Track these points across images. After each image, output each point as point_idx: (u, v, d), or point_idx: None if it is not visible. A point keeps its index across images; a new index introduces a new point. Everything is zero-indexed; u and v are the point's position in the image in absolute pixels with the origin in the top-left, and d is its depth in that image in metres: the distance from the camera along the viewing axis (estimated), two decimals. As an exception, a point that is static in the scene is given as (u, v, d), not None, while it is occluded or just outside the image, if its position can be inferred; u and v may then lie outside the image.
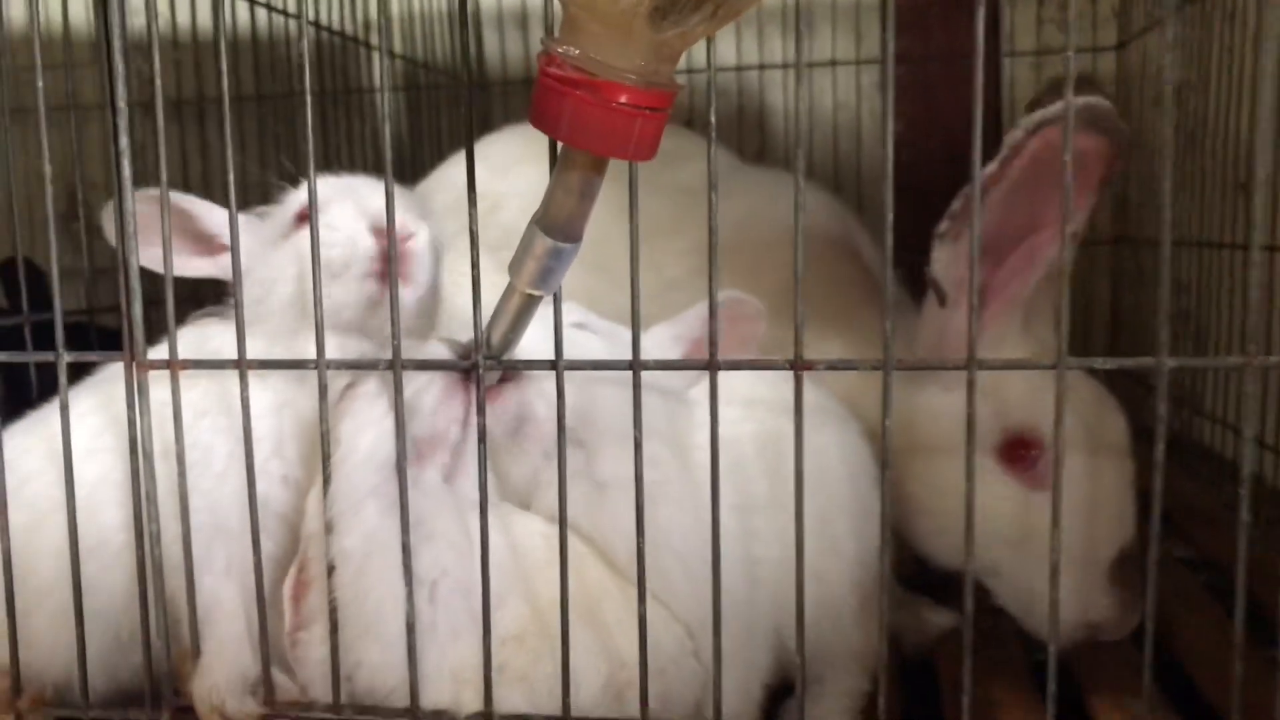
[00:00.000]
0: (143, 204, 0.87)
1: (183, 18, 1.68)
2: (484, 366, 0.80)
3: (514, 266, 0.75)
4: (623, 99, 0.65)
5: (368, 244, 0.91)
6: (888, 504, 0.79)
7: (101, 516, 0.91)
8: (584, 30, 0.65)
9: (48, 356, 0.88)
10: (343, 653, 0.84)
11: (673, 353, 0.99)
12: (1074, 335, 0.83)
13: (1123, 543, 1.06)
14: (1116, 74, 2.04)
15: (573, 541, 0.90)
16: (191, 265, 0.99)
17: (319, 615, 0.85)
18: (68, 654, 0.89)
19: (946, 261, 1.06)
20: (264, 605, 0.85)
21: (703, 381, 1.00)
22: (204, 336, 0.94)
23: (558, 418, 0.79)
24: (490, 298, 0.79)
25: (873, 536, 1.04)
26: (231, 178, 0.82)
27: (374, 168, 1.14)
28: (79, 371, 0.93)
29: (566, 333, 0.82)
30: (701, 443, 0.79)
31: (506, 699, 0.85)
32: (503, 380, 0.87)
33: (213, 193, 1.02)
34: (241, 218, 0.97)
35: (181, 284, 0.84)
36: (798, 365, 0.75)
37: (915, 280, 1.13)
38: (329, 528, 0.83)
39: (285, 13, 1.72)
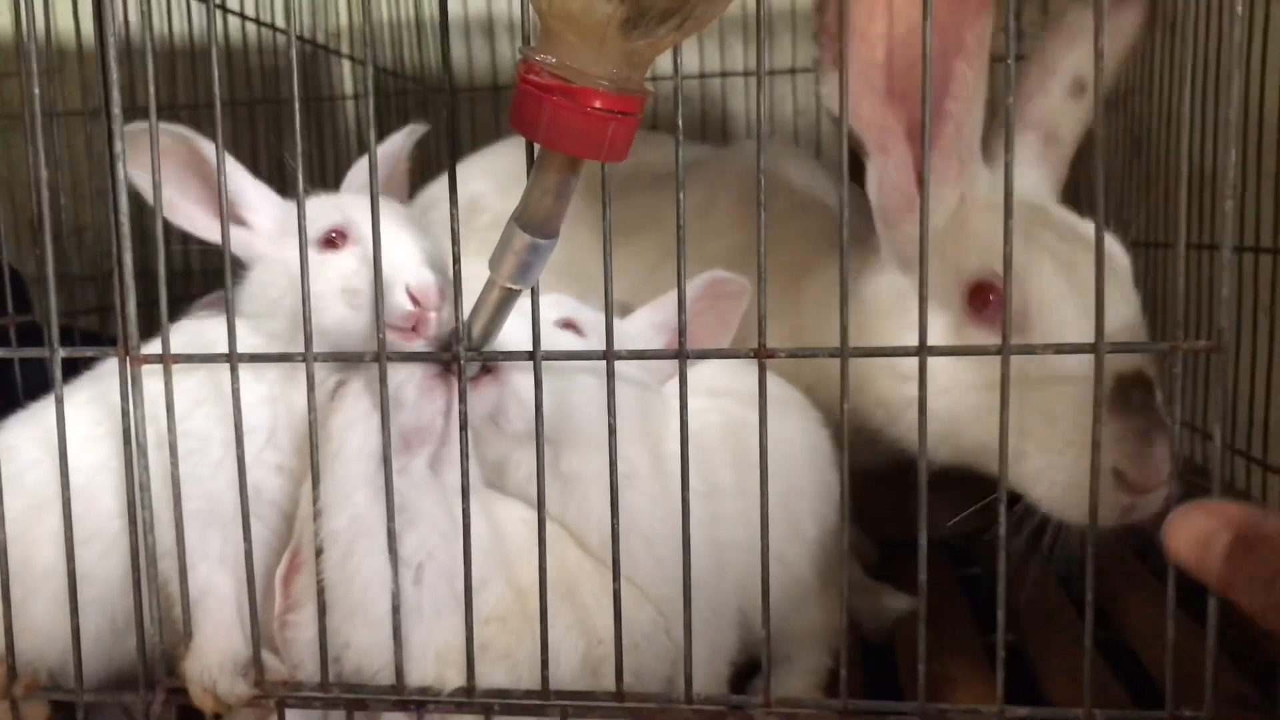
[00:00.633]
0: (166, 137, 0.90)
1: (160, 26, 1.70)
2: (465, 358, 0.84)
3: (494, 262, 0.79)
4: (597, 104, 0.70)
5: (403, 307, 0.88)
6: (845, 486, 0.83)
7: (99, 504, 0.93)
8: (561, 40, 0.70)
9: (41, 352, 0.90)
10: (331, 634, 0.87)
11: (655, 342, 1.01)
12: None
13: (1116, 371, 0.93)
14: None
15: (552, 526, 0.95)
16: (207, 228, 0.98)
17: (309, 597, 0.88)
18: (65, 640, 0.91)
19: (831, 95, 1.01)
20: (254, 589, 0.88)
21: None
22: (202, 329, 0.97)
23: (535, 406, 0.83)
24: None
25: (834, 520, 1.09)
26: (222, 181, 0.86)
27: (339, 173, 1.17)
28: (68, 372, 0.95)
29: (551, 333, 0.86)
30: (674, 432, 0.83)
31: (490, 676, 0.89)
32: (485, 373, 0.91)
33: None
34: (274, 197, 1.00)
35: (173, 283, 0.87)
36: (761, 353, 0.80)
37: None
38: (318, 514, 0.87)
39: (259, 21, 1.75)
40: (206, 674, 0.89)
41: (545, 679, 0.86)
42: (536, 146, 0.75)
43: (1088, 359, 0.78)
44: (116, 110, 0.84)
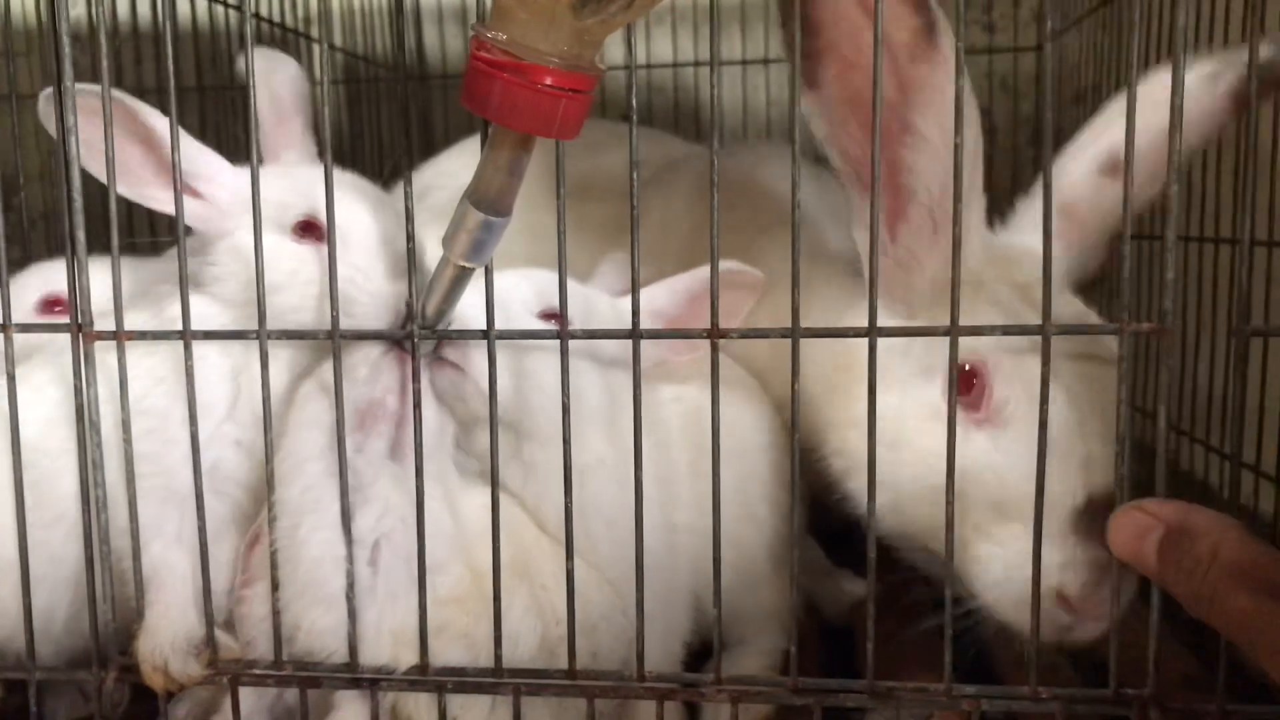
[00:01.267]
0: (118, 111, 0.87)
1: (123, 9, 1.69)
2: (419, 336, 0.84)
3: (447, 240, 0.79)
4: (548, 81, 0.70)
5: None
6: (796, 466, 0.84)
7: (64, 486, 0.92)
8: (512, 17, 0.70)
9: (-9, 329, 0.89)
10: (284, 614, 0.88)
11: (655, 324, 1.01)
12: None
13: (1090, 489, 0.90)
14: (1036, 73, 2.13)
15: (511, 508, 0.95)
16: (156, 198, 0.95)
17: (263, 573, 0.88)
18: (35, 621, 0.91)
19: (814, 119, 0.94)
20: (208, 566, 0.87)
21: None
22: (161, 306, 0.96)
23: (489, 384, 0.84)
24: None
25: (787, 503, 1.10)
26: (176, 160, 0.86)
27: (312, 159, 1.16)
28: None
29: (530, 322, 0.86)
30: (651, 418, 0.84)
31: (448, 656, 0.89)
32: (440, 350, 0.91)
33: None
34: (227, 166, 0.98)
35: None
36: (714, 334, 0.81)
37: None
38: (272, 486, 0.87)
39: (226, 4, 1.74)
40: (158, 653, 0.89)
41: (499, 657, 0.86)
42: (490, 125, 0.75)
43: (1058, 483, 0.82)
44: (69, 83, 0.83)
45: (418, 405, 0.84)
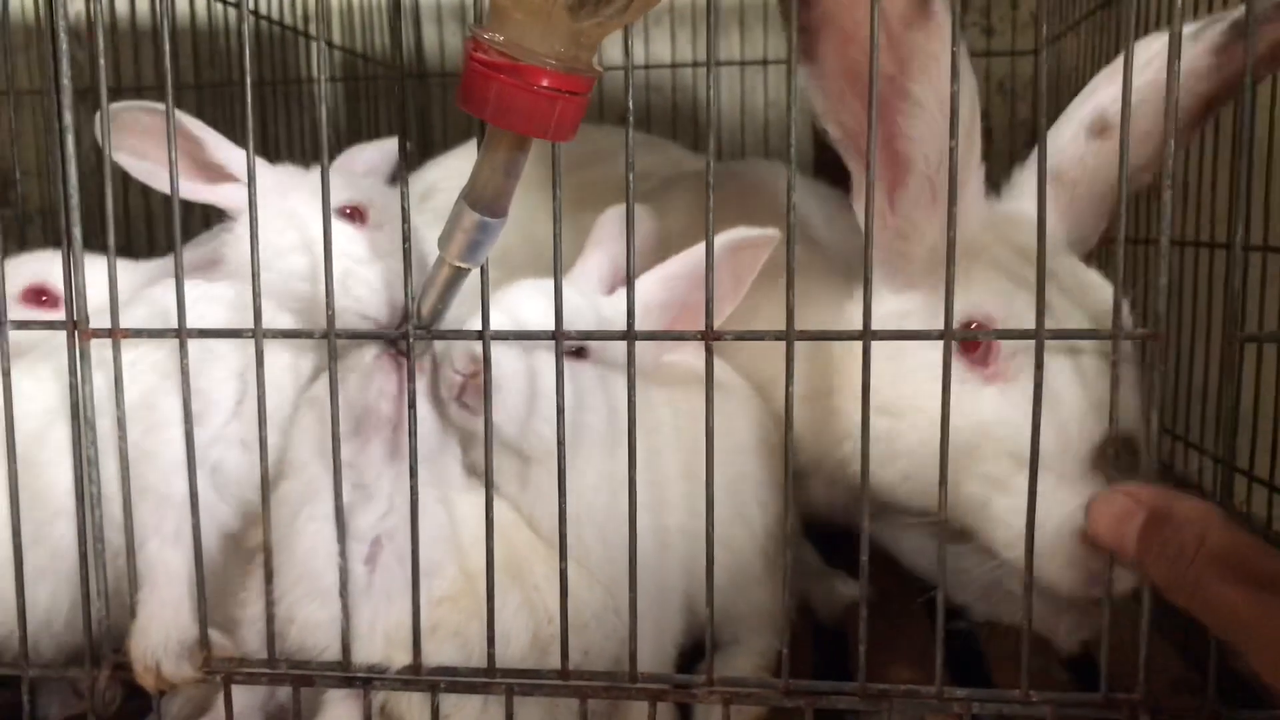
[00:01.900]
0: (146, 116, 0.93)
1: (121, 5, 1.69)
2: (414, 336, 0.84)
3: (443, 240, 0.80)
4: (544, 82, 0.70)
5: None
6: (790, 467, 0.84)
7: (65, 481, 0.91)
8: (509, 19, 0.70)
9: (-10, 326, 0.89)
10: (279, 606, 0.88)
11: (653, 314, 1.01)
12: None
13: (1104, 428, 0.85)
14: (1034, 75, 2.13)
15: (504, 510, 0.95)
16: (194, 190, 0.98)
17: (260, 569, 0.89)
18: (35, 617, 0.92)
19: (811, 90, 0.95)
20: (202, 565, 0.88)
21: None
22: (161, 302, 0.95)
23: (484, 384, 0.84)
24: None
25: (779, 504, 1.10)
26: (172, 157, 0.86)
27: (311, 158, 1.17)
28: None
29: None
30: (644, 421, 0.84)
31: (441, 654, 0.89)
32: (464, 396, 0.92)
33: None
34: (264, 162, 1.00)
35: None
36: (708, 336, 0.81)
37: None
38: (267, 483, 0.87)
39: (225, 1, 1.74)
40: (150, 652, 0.89)
41: (491, 656, 0.86)
42: (487, 126, 0.75)
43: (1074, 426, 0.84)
44: (66, 81, 0.83)
45: (412, 405, 0.84)
